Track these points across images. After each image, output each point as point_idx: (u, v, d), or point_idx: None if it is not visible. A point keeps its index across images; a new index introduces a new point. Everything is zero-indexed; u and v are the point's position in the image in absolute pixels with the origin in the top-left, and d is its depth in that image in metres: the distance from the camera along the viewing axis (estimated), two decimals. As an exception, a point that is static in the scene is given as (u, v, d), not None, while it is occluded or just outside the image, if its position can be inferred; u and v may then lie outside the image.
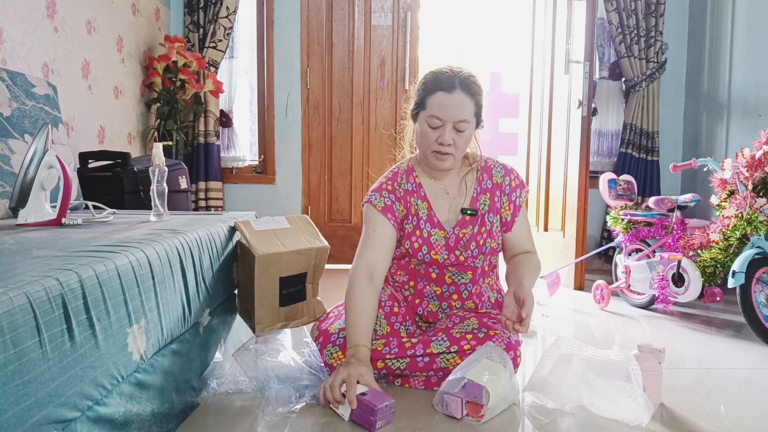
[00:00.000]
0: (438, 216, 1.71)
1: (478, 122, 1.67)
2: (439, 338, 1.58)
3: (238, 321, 1.86)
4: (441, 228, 1.70)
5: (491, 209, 1.72)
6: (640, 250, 2.77)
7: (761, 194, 2.20)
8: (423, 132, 1.64)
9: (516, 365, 1.58)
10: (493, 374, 1.40)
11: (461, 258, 1.70)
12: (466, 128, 1.61)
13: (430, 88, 1.61)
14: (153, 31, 3.38)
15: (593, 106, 3.18)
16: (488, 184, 1.74)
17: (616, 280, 2.86)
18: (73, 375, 0.91)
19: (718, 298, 2.35)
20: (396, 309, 1.72)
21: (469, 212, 1.70)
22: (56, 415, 0.87)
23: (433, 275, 1.73)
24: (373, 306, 1.60)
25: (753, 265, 2.14)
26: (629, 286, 2.75)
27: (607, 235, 3.59)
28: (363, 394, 1.37)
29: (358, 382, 1.40)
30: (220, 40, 3.43)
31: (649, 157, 3.62)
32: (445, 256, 1.69)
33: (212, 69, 3.44)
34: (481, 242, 1.70)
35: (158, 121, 3.27)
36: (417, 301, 1.77)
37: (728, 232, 2.26)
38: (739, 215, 2.22)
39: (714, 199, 2.39)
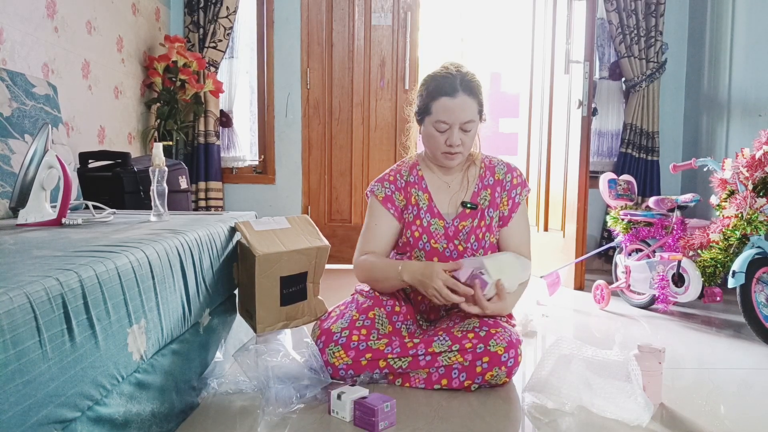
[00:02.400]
0: (438, 207, 1.78)
1: (481, 117, 1.74)
2: (441, 337, 1.59)
3: (238, 321, 1.86)
4: (441, 218, 1.77)
5: (491, 204, 1.78)
6: (640, 250, 2.77)
7: (761, 194, 2.20)
8: (431, 135, 1.71)
9: (516, 364, 1.59)
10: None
11: (460, 248, 1.75)
12: (472, 127, 1.69)
13: (433, 94, 1.67)
14: (153, 31, 3.38)
15: (593, 106, 3.18)
16: (490, 181, 1.80)
17: (616, 280, 2.86)
18: (73, 375, 0.91)
19: (718, 298, 2.35)
20: (397, 308, 1.73)
21: (469, 206, 1.76)
22: (56, 415, 0.87)
23: None
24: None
25: (753, 265, 2.14)
26: (629, 286, 2.75)
27: (607, 235, 3.59)
28: (363, 397, 1.37)
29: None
30: (220, 40, 3.43)
31: (649, 157, 3.62)
32: (445, 245, 1.75)
33: (212, 69, 3.44)
34: (480, 236, 1.75)
35: (158, 121, 3.27)
36: (419, 297, 1.79)
37: (728, 232, 2.26)
38: (739, 215, 2.22)
39: (714, 199, 2.39)
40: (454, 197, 1.79)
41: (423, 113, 1.71)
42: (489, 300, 1.58)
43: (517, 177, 1.81)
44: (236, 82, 3.63)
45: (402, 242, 1.81)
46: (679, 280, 2.46)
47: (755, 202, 2.19)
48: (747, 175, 2.21)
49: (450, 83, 1.65)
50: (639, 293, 2.72)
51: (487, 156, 1.85)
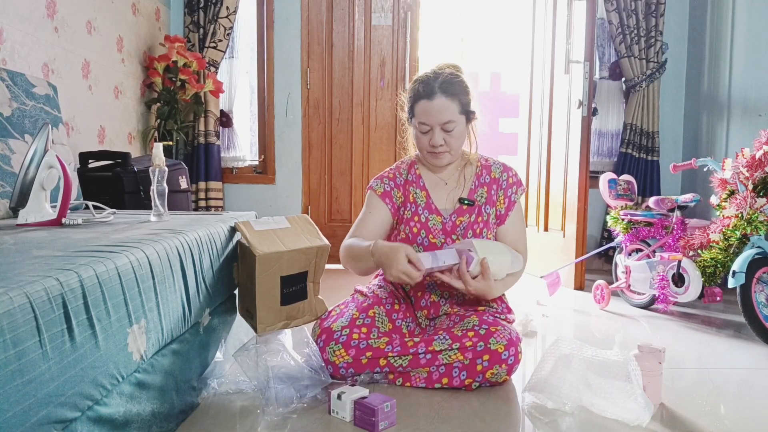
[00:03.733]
0: (436, 204, 1.82)
1: (469, 117, 1.77)
2: (441, 336, 1.60)
3: (239, 321, 1.86)
4: (438, 214, 1.81)
5: (488, 202, 1.83)
6: (640, 250, 2.77)
7: (761, 194, 2.20)
8: (416, 136, 1.79)
9: (517, 361, 1.59)
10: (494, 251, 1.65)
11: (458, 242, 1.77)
12: (453, 127, 1.73)
13: (413, 97, 1.76)
14: (153, 31, 3.38)
15: (593, 106, 3.18)
16: (486, 179, 1.84)
17: (617, 280, 2.86)
18: (73, 375, 0.91)
19: (718, 298, 2.35)
20: (396, 306, 1.76)
21: (466, 202, 1.81)
22: (56, 415, 0.87)
23: None
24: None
25: (753, 265, 2.14)
26: (629, 286, 2.75)
27: (607, 235, 3.59)
28: (363, 397, 1.37)
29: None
30: (220, 40, 3.43)
31: (649, 157, 3.62)
32: (443, 240, 1.79)
33: (212, 69, 3.44)
34: (478, 231, 1.80)
35: (158, 121, 3.27)
36: (419, 293, 1.82)
37: (728, 232, 2.26)
38: (740, 215, 2.22)
39: (714, 199, 2.39)
40: (451, 194, 1.83)
41: (410, 115, 1.80)
42: (474, 278, 1.63)
43: (512, 176, 1.86)
44: (236, 82, 3.63)
45: (401, 238, 1.83)
46: (679, 280, 2.46)
47: (755, 202, 2.19)
48: (747, 175, 2.21)
49: (427, 86, 1.72)
50: (639, 293, 2.72)
51: (483, 156, 1.89)
